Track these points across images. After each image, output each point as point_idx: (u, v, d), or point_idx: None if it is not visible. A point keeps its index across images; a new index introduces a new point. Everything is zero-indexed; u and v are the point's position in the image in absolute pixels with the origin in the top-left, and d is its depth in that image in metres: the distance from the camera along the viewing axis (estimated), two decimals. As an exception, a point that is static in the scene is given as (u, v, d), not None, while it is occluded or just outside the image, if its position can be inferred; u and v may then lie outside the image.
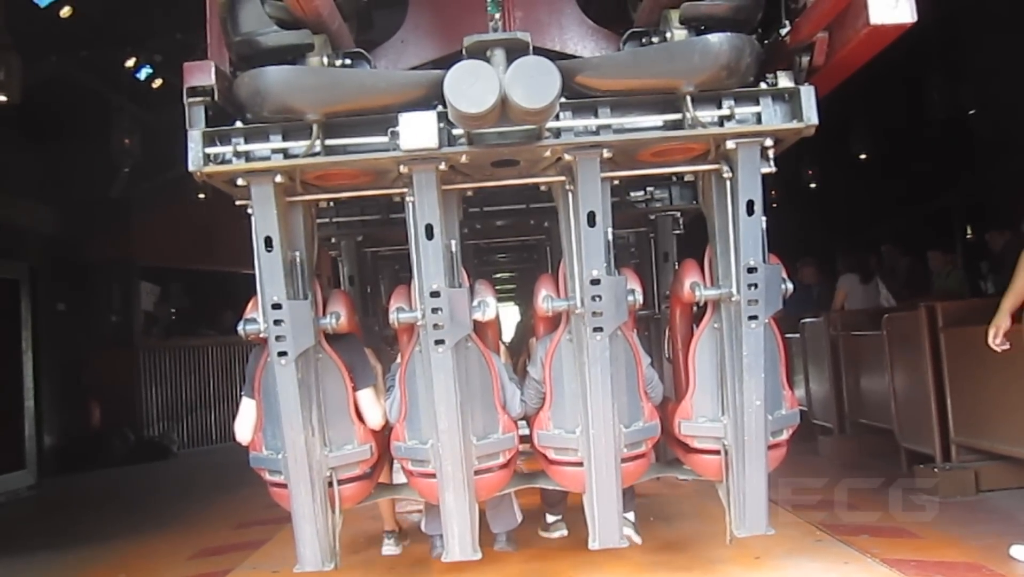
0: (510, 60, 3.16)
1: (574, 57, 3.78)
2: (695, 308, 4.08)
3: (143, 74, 9.31)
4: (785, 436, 3.96)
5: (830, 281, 9.81)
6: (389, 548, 4.91)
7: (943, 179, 11.07)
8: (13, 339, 9.34)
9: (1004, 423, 5.39)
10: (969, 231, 11.54)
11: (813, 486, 5.91)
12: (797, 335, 8.37)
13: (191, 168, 3.41)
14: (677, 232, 5.28)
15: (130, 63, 9.24)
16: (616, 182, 3.86)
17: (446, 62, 3.32)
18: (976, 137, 10.40)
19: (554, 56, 3.34)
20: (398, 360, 4.12)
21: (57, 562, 5.57)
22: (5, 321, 9.33)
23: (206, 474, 9.61)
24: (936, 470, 5.79)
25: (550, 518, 4.79)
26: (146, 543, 5.96)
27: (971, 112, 10.42)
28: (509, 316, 9.26)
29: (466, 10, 3.91)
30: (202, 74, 3.31)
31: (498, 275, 8.96)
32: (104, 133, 9.56)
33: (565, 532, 4.70)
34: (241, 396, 4.06)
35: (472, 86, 3.03)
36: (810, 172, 13.26)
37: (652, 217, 5.25)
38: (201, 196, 10.41)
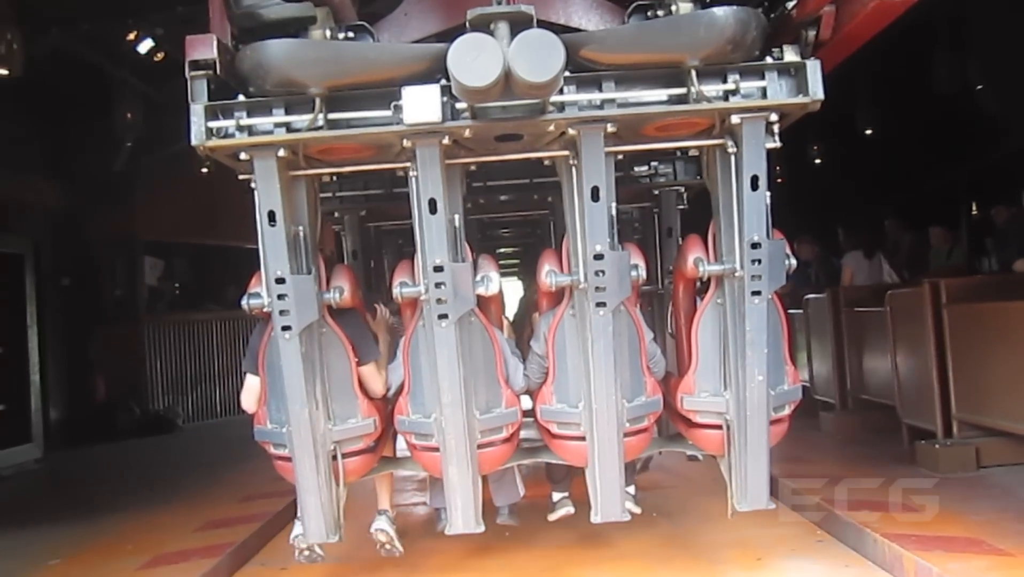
0: (514, 33, 3.13)
1: (578, 30, 3.75)
2: (698, 283, 4.09)
3: (145, 47, 9.08)
4: (787, 411, 3.98)
5: (829, 258, 9.79)
6: (381, 524, 4.48)
7: (948, 155, 10.96)
8: (18, 313, 9.34)
9: (1006, 399, 5.40)
10: (974, 207, 11.43)
11: (815, 461, 5.99)
12: (799, 311, 8.38)
13: (194, 142, 3.40)
14: (681, 207, 5.27)
15: (131, 36, 9.04)
16: (620, 157, 3.86)
17: (450, 35, 3.30)
18: (982, 112, 10.21)
19: (558, 29, 3.32)
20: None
21: (64, 534, 5.58)
22: (10, 296, 9.32)
23: (211, 447, 9.63)
24: (937, 446, 5.79)
25: (556, 496, 4.82)
26: (152, 515, 5.97)
27: (978, 87, 10.19)
28: (512, 291, 9.29)
29: None
30: (204, 47, 3.28)
31: (501, 250, 8.99)
32: (106, 107, 9.43)
33: (571, 509, 4.71)
34: (244, 373, 4.10)
35: (476, 59, 3.00)
36: (815, 148, 13.07)
37: (656, 192, 5.24)
38: (204, 170, 10.27)
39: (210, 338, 12.54)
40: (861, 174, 12.73)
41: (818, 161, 13.19)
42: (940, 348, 5.92)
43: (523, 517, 5.07)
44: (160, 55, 9.09)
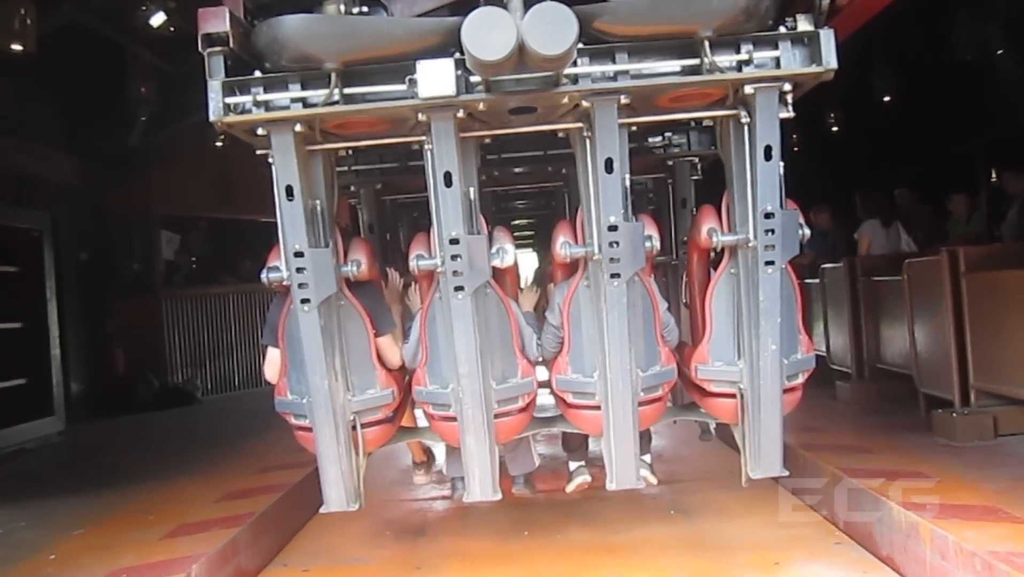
0: (527, 5, 3.17)
1: (592, 1, 3.79)
2: (712, 254, 4.13)
3: (157, 21, 8.97)
4: (800, 380, 4.04)
5: (847, 227, 9.76)
6: (419, 477, 5.38)
7: (968, 122, 10.92)
8: (38, 288, 9.48)
9: None
10: (993, 175, 11.24)
11: (831, 430, 6.04)
12: (816, 280, 8.43)
13: (211, 118, 3.46)
14: (695, 178, 5.31)
15: (143, 9, 9.06)
16: (634, 128, 3.89)
17: (463, 6, 3.34)
18: (1003, 78, 10.18)
19: (572, 1, 3.37)
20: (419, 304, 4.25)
21: (87, 506, 5.68)
22: (29, 271, 9.42)
23: (230, 419, 9.81)
24: (954, 415, 5.80)
25: (572, 465, 4.94)
26: (173, 487, 6.06)
27: (999, 52, 10.11)
28: (527, 262, 9.40)
29: None
30: (216, 20, 3.29)
31: (516, 221, 9.07)
32: (121, 81, 9.57)
33: (588, 478, 4.83)
34: (264, 345, 4.23)
35: (489, 33, 3.04)
36: (832, 116, 13.04)
37: (670, 163, 5.28)
38: (219, 144, 10.28)
39: (227, 311, 12.74)
40: (879, 141, 12.67)
41: (835, 129, 13.10)
42: (958, 317, 5.92)
43: (539, 518, 5.22)
44: (173, 28, 9.07)
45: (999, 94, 10.24)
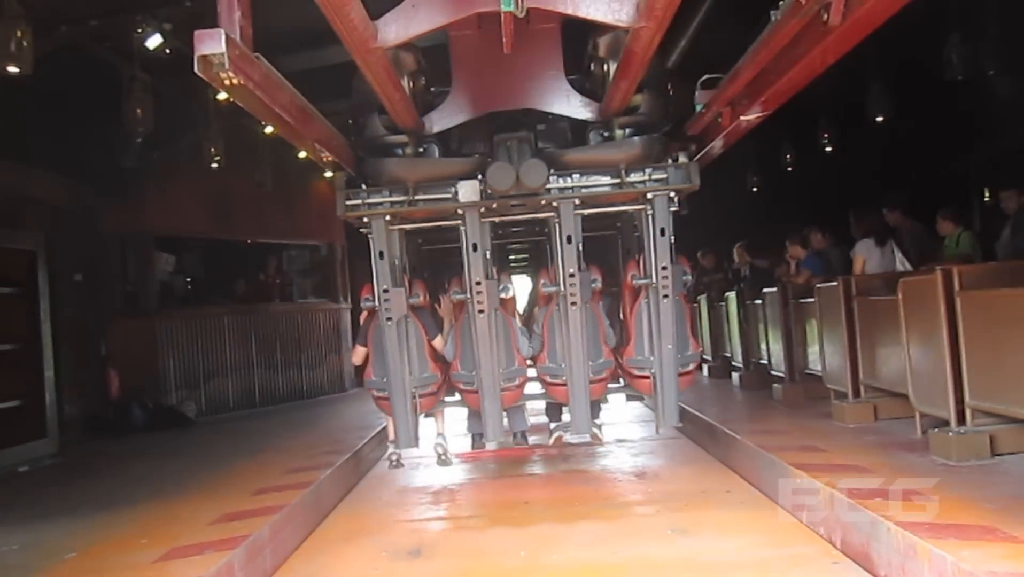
0: (520, 145, 6.48)
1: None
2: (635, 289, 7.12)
3: (153, 43, 9.80)
4: (691, 367, 7.24)
5: (842, 246, 10.65)
6: (440, 440, 8.33)
7: (961, 141, 12.26)
8: (32, 309, 10.12)
9: (1020, 386, 5.72)
10: (987, 194, 12.47)
11: (826, 449, 6.77)
12: (812, 300, 9.28)
13: (338, 213, 6.61)
14: (636, 234, 8.22)
15: (140, 32, 9.76)
16: (586, 213, 6.99)
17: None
18: (995, 98, 11.35)
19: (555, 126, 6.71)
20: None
21: (80, 528, 6.11)
22: (24, 292, 10.10)
23: (224, 441, 10.77)
24: (951, 434, 6.15)
25: (552, 425, 8.06)
26: (167, 509, 6.53)
27: (990, 73, 11.13)
28: (522, 284, 12.93)
29: None
30: (212, 42, 3.70)
31: (515, 256, 13.05)
32: (116, 103, 10.06)
33: (563, 434, 7.95)
34: (354, 344, 7.61)
35: (500, 176, 6.18)
36: (825, 135, 14.66)
37: (619, 224, 8.58)
38: (215, 165, 11.81)
39: (222, 332, 14.02)
40: (873, 161, 14.25)
41: (829, 149, 14.72)
42: (953, 335, 6.27)
43: (535, 538, 5.98)
44: (168, 50, 9.78)
45: (990, 113, 11.59)
